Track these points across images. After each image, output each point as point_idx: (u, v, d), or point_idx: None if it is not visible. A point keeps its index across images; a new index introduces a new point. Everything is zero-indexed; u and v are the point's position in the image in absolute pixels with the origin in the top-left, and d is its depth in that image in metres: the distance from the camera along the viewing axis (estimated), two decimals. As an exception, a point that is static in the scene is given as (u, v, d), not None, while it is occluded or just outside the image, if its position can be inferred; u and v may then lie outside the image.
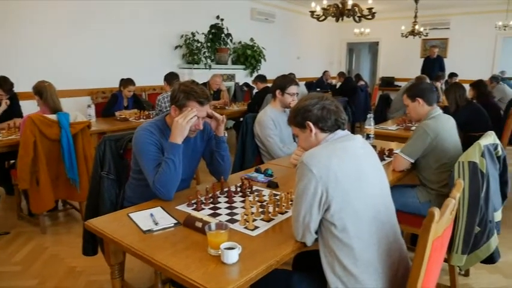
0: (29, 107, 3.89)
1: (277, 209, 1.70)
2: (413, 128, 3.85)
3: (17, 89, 4.02)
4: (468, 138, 2.72)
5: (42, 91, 3.18)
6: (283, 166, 2.49)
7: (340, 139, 1.47)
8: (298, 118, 1.53)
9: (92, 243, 2.18)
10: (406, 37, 8.84)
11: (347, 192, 1.31)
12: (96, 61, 5.50)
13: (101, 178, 2.17)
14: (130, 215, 1.68)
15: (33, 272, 2.65)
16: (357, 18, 5.43)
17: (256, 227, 1.55)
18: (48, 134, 3.09)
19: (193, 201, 1.80)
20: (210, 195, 1.85)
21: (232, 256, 1.27)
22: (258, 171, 2.32)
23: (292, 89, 2.93)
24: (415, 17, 8.52)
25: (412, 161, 2.36)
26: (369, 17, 5.26)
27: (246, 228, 1.55)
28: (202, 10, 6.96)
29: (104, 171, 2.17)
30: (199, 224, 1.50)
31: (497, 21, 8.52)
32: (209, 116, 2.05)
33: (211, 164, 2.19)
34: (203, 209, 1.76)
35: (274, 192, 1.91)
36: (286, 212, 1.71)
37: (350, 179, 1.32)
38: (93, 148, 3.23)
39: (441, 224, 1.14)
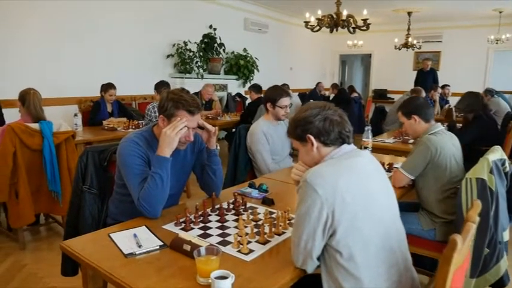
0: (14, 115, 3.71)
1: (273, 229, 1.56)
2: (411, 140, 3.76)
3: (1, 96, 3.85)
4: (473, 152, 2.60)
5: (25, 98, 3.03)
6: (278, 181, 2.35)
7: (346, 155, 1.33)
8: (298, 131, 1.38)
9: (72, 262, 1.99)
10: (399, 49, 8.83)
11: (355, 216, 1.17)
12: (85, 69, 5.34)
13: (82, 192, 2.01)
14: (111, 235, 1.52)
15: (7, 293, 2.46)
16: (351, 29, 5.36)
17: (251, 251, 1.40)
18: (29, 143, 2.91)
19: (181, 220, 1.64)
20: (200, 213, 1.70)
21: (224, 287, 1.12)
22: (251, 186, 2.18)
23: (284, 101, 2.83)
24: (408, 29, 8.53)
25: (412, 177, 2.23)
26: (364, 28, 5.20)
27: (239, 251, 1.40)
28: (195, 19, 6.87)
29: (85, 185, 2.01)
30: (187, 247, 1.35)
31: (489, 35, 8.57)
32: (200, 127, 1.90)
33: (201, 178, 2.04)
34: (192, 228, 1.61)
35: (269, 210, 1.77)
36: (284, 232, 1.56)
37: (358, 201, 1.19)
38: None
39: (463, 253, 1.00)
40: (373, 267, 1.18)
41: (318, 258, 1.26)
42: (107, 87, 4.70)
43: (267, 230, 1.54)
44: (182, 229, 1.59)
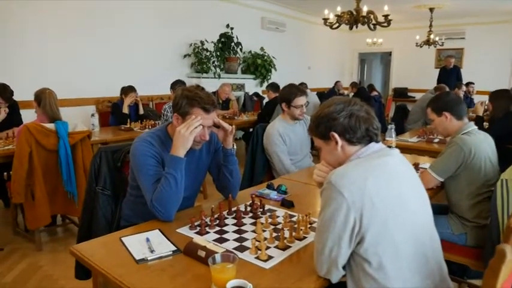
0: (31, 116, 3.72)
1: (294, 233, 1.46)
2: (436, 140, 3.60)
3: (19, 97, 3.87)
4: (503, 151, 2.44)
5: (41, 98, 3.01)
6: (298, 181, 2.25)
7: (374, 154, 1.21)
8: (321, 128, 1.27)
9: (85, 266, 1.95)
10: (421, 46, 8.60)
11: (385, 222, 1.06)
12: (102, 69, 5.35)
13: (95, 193, 1.95)
14: (123, 239, 1.45)
15: (23, 295, 2.43)
16: (371, 26, 5.20)
17: (269, 257, 1.30)
18: (45, 144, 2.89)
19: (196, 224, 1.56)
20: (216, 216, 1.61)
21: (241, 298, 1.03)
22: (270, 187, 2.08)
23: (299, 100, 2.73)
24: (430, 26, 8.28)
25: (442, 179, 2.09)
26: (385, 24, 5.04)
27: (257, 258, 1.30)
28: (211, 18, 6.82)
29: (98, 186, 1.95)
30: (202, 253, 1.26)
31: (515, 30, 8.26)
32: (216, 126, 1.82)
33: (218, 179, 1.95)
34: (208, 232, 1.52)
35: (289, 213, 1.67)
36: (305, 237, 1.46)
37: (389, 205, 1.07)
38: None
39: (511, 264, 0.88)
40: (405, 278, 1.07)
41: (344, 267, 1.15)
42: (128, 90, 4.61)
43: (287, 234, 1.44)
44: (197, 233, 1.51)
